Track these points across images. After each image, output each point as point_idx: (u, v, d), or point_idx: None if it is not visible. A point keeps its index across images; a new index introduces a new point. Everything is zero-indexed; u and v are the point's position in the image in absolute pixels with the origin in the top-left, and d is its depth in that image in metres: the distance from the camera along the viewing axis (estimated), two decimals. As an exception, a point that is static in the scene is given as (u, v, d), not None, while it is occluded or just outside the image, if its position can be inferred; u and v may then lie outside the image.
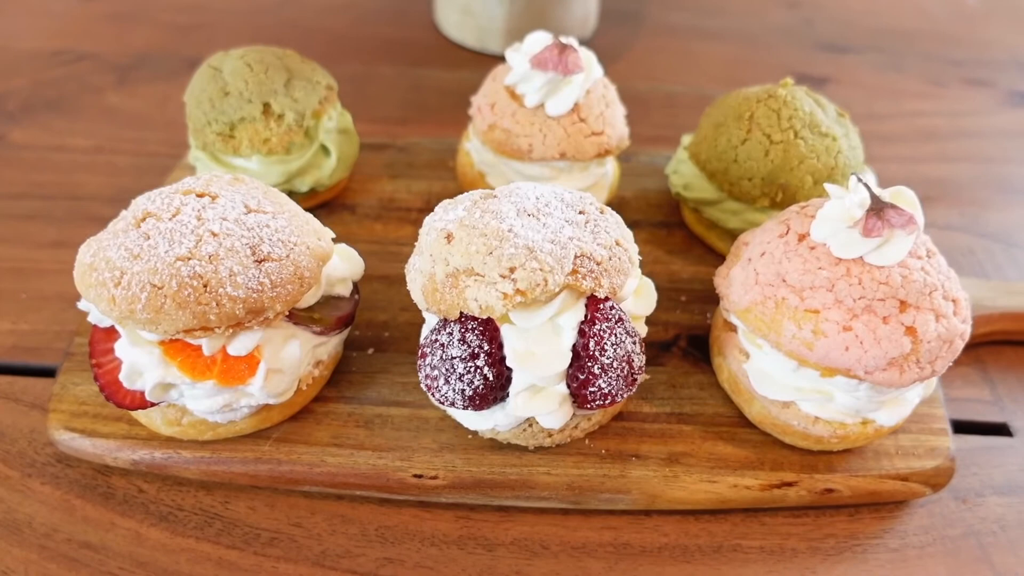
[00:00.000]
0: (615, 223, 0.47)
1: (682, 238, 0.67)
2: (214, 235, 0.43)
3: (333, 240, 0.52)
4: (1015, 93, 0.94)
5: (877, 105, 0.91)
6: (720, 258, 0.64)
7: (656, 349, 0.56)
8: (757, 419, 0.50)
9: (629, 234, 0.48)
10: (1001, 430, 0.57)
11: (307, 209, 0.66)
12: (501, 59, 0.96)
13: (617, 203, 0.69)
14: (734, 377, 0.51)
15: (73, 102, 0.84)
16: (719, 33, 1.02)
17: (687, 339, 0.58)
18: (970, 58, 1.00)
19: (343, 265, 0.51)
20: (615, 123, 0.62)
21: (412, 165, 0.73)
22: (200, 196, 0.45)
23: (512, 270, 0.42)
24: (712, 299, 0.60)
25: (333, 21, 1.00)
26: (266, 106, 0.60)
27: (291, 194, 0.63)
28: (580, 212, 0.46)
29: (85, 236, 0.47)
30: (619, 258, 0.45)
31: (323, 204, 0.67)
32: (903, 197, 0.46)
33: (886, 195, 0.46)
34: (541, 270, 0.42)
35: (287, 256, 0.45)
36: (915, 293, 0.44)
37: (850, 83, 0.94)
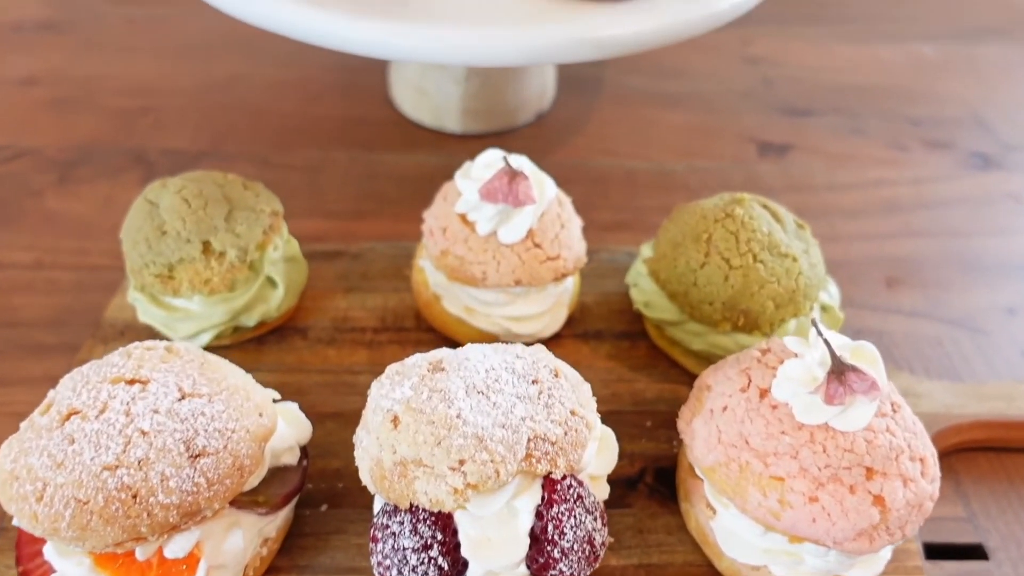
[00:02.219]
0: (570, 388, 0.45)
1: (646, 351, 0.65)
2: (144, 434, 0.40)
3: (279, 399, 0.50)
4: (975, 155, 0.94)
5: (839, 174, 0.90)
6: (685, 374, 0.63)
7: (622, 487, 0.55)
8: (728, 573, 0.49)
9: (587, 394, 0.46)
10: (976, 552, 0.56)
11: (256, 337, 0.64)
12: (459, 138, 0.95)
13: (579, 311, 0.68)
14: (702, 529, 0.49)
15: (11, 208, 0.80)
16: (678, 98, 1.01)
17: (654, 474, 0.56)
18: (929, 116, 1.00)
19: (289, 432, 0.48)
20: (571, 244, 0.60)
21: (367, 276, 0.70)
22: (130, 384, 0.43)
23: (462, 462, 0.40)
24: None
25: (284, 100, 0.97)
26: (206, 244, 0.57)
27: (238, 329, 0.61)
28: (533, 382, 0.44)
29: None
30: (575, 430, 0.43)
31: (274, 330, 0.64)
32: (864, 354, 0.44)
33: (847, 351, 0.45)
34: (492, 461, 0.40)
35: (224, 447, 0.42)
36: (881, 459, 0.43)
37: (811, 150, 0.93)
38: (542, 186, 0.59)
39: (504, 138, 0.93)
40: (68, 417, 0.41)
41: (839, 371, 0.43)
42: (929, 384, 0.63)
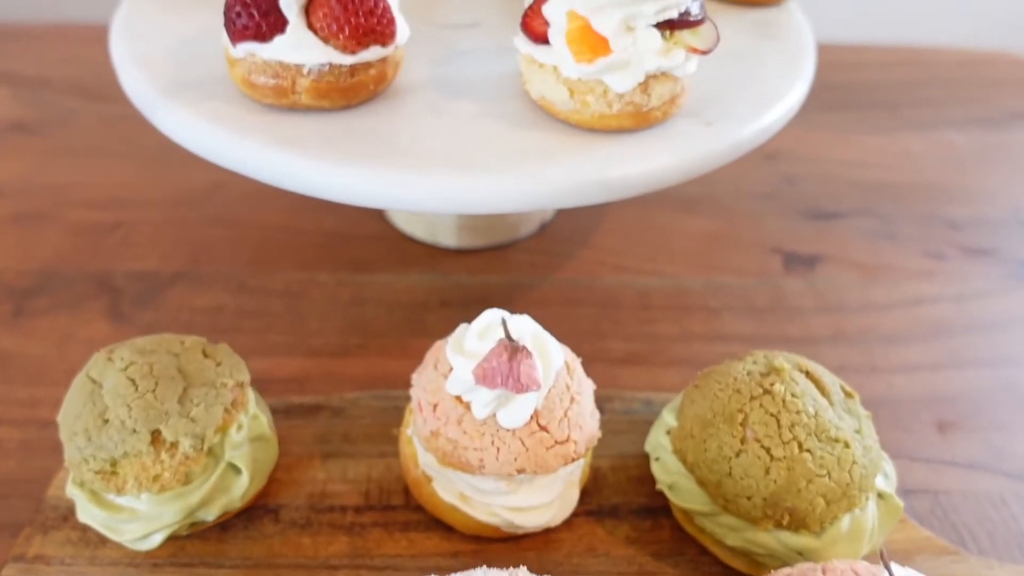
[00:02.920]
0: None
1: (671, 533, 0.56)
2: None
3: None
4: (1019, 262, 0.86)
5: (874, 289, 0.82)
6: (717, 564, 0.53)
7: None
8: None
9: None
10: None
11: (220, 524, 0.55)
12: (455, 253, 0.87)
13: (592, 481, 0.59)
14: None
15: (-41, 348, 0.72)
16: (693, 201, 0.93)
17: None
18: (967, 217, 0.92)
19: None
20: (583, 422, 0.52)
21: (349, 437, 0.62)
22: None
23: None
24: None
25: (267, 211, 0.90)
26: (155, 434, 0.48)
27: (196, 523, 0.52)
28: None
29: None
30: None
31: (241, 512, 0.56)
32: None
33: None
34: None
35: None
36: None
37: (842, 260, 0.85)
38: (547, 357, 0.51)
39: (504, 252, 0.85)
40: None
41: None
42: (1002, 572, 0.54)
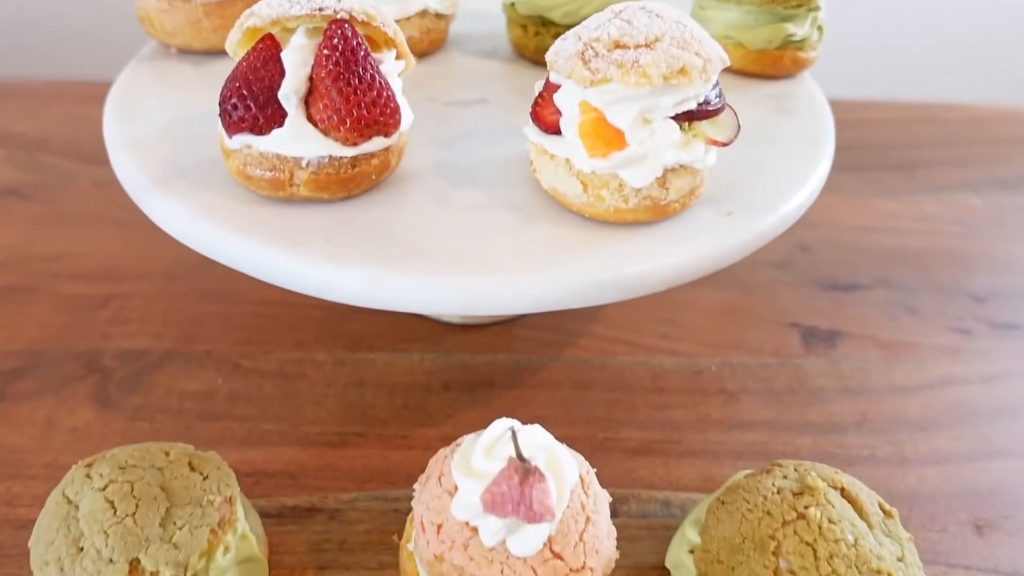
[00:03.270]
0: None
1: (694, 658, 0.52)
2: None
3: None
4: (1050, 338, 0.82)
5: (899, 370, 0.78)
6: None
7: None
8: None
9: None
10: None
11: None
12: (459, 328, 0.84)
13: (606, 596, 0.55)
14: None
15: (-62, 437, 0.68)
16: (707, 270, 0.90)
17: None
18: (992, 288, 0.89)
19: None
20: (600, 544, 0.47)
21: (345, 546, 0.58)
22: None
23: None
24: None
25: (262, 284, 0.84)
26: (133, 564, 0.45)
27: (176, 656, 0.48)
28: None
29: None
30: None
31: (226, 636, 0.51)
32: None
33: None
34: None
35: None
36: None
37: (863, 337, 0.82)
38: (561, 474, 0.47)
39: (510, 328, 0.81)
40: None
41: None
42: None
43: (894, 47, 1.47)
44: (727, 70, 0.74)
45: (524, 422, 0.69)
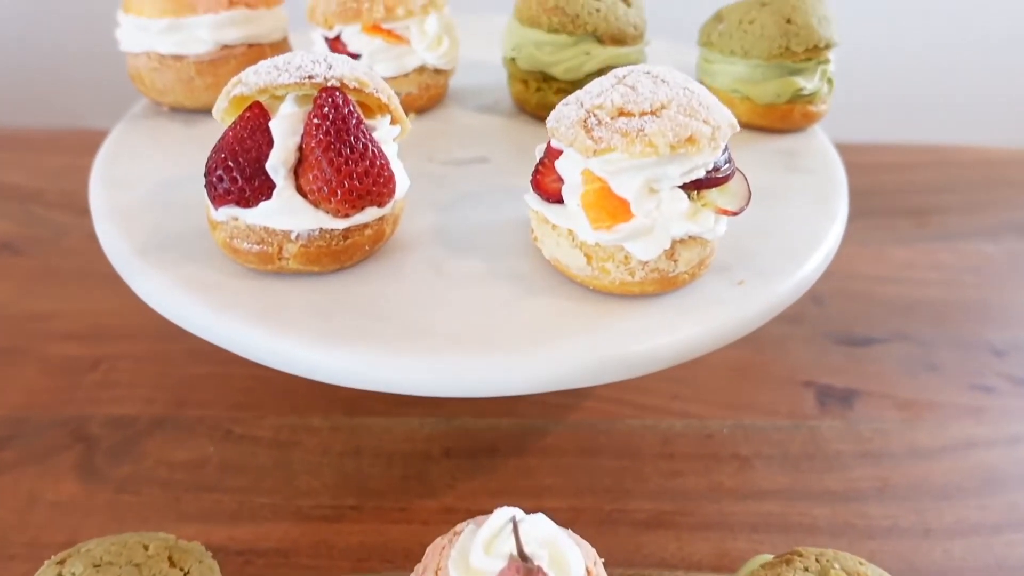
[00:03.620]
0: None
1: None
2: None
3: None
4: (1074, 396, 0.79)
5: (919, 431, 0.74)
6: None
7: None
8: None
9: None
10: None
11: None
12: (456, 401, 0.80)
13: None
14: None
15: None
16: (716, 324, 0.87)
17: None
18: (1012, 341, 0.85)
19: None
20: (609, 648, 0.44)
21: (338, 636, 0.54)
22: None
23: None
24: None
25: (259, 341, 0.84)
26: (105, 676, 0.41)
27: None
28: None
29: None
30: None
31: None
32: None
33: None
34: None
35: None
36: None
37: (881, 396, 0.78)
38: (567, 570, 0.44)
39: (514, 389, 0.78)
40: None
41: None
42: None
43: (903, 87, 1.45)
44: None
45: (529, 492, 0.66)
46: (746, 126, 0.72)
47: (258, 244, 0.49)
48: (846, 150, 0.81)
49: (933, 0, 1.41)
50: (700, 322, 0.50)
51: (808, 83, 0.69)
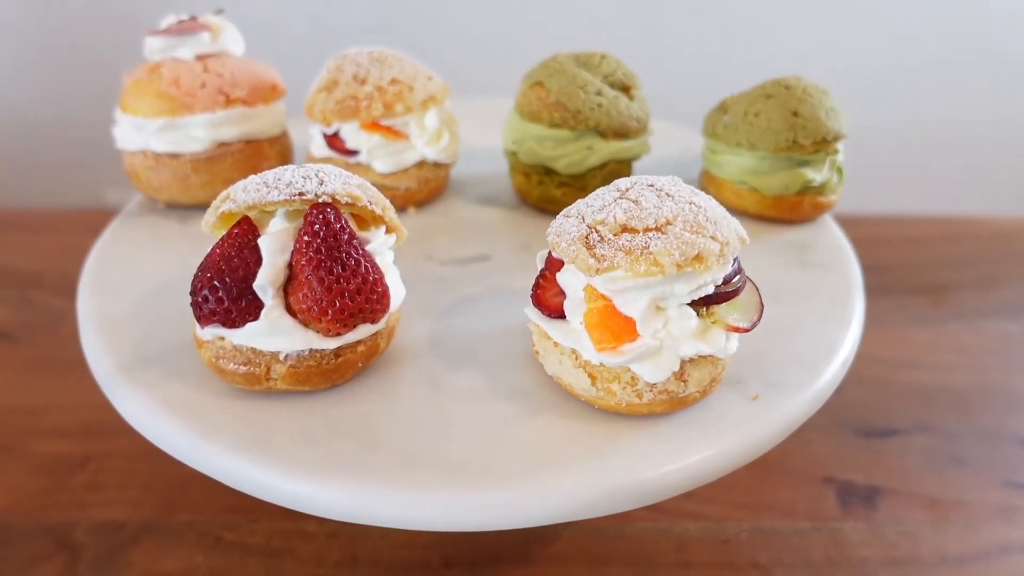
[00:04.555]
0: None
1: None
2: None
3: None
4: (1114, 494, 0.74)
5: (949, 535, 0.70)
6: None
7: None
8: None
9: None
10: None
11: None
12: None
13: None
14: None
15: None
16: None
17: None
18: (1041, 431, 0.82)
19: None
20: None
21: None
22: None
23: None
24: None
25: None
26: None
27: None
28: None
29: None
30: None
31: None
32: None
33: None
34: None
35: None
36: None
37: (906, 494, 0.74)
38: None
39: (519, 489, 0.75)
40: None
41: None
42: None
43: (912, 156, 1.44)
44: (744, 214, 0.70)
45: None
46: (755, 217, 0.70)
47: (245, 365, 0.47)
48: (856, 223, 0.78)
49: (944, 69, 1.40)
50: (714, 444, 0.46)
51: (817, 175, 0.67)
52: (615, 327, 0.44)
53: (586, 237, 0.44)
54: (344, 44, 0.75)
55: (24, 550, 0.69)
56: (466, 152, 0.80)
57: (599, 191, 0.47)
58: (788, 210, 0.68)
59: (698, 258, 0.43)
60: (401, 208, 0.70)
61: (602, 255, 0.43)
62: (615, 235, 0.44)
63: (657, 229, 0.43)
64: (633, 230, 0.44)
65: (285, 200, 0.45)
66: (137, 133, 0.67)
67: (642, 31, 1.38)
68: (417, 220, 0.70)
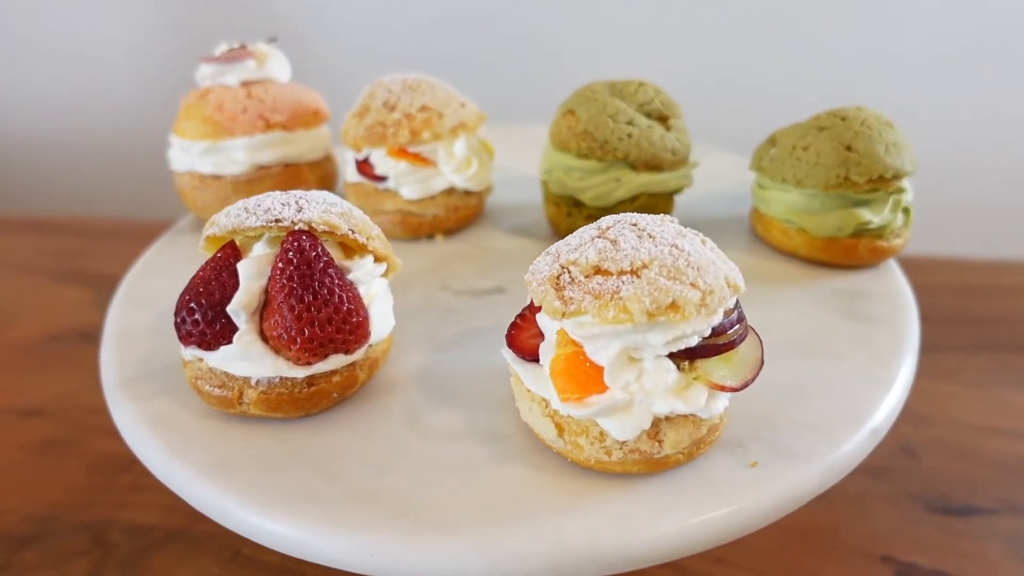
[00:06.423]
0: None
1: None
2: None
3: None
4: None
5: (1026, 640, 0.60)
6: None
7: None
8: None
9: None
10: None
11: None
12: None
13: None
14: None
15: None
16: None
17: None
18: None
19: None
20: None
21: None
22: None
23: None
24: None
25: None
26: None
27: None
28: None
29: None
30: None
31: None
32: None
33: None
34: None
35: None
36: None
37: (980, 585, 0.65)
38: None
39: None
40: None
41: None
42: None
43: (1002, 198, 1.28)
44: (793, 255, 0.65)
45: None
46: (805, 260, 0.64)
47: (219, 388, 0.47)
48: (945, 267, 0.69)
49: None
50: (695, 513, 0.42)
51: (875, 216, 0.60)
52: (581, 376, 0.41)
53: (557, 277, 0.41)
54: (397, 71, 0.76)
55: (62, 544, 0.73)
56: (508, 179, 0.78)
57: (581, 229, 0.44)
58: (841, 253, 0.62)
59: (673, 307, 0.39)
60: (429, 235, 0.69)
61: (570, 298, 0.40)
62: (586, 277, 0.40)
63: (632, 272, 0.40)
64: (606, 272, 0.40)
65: (262, 227, 0.45)
66: (185, 155, 0.70)
67: (717, 56, 1.31)
68: (443, 248, 0.69)
